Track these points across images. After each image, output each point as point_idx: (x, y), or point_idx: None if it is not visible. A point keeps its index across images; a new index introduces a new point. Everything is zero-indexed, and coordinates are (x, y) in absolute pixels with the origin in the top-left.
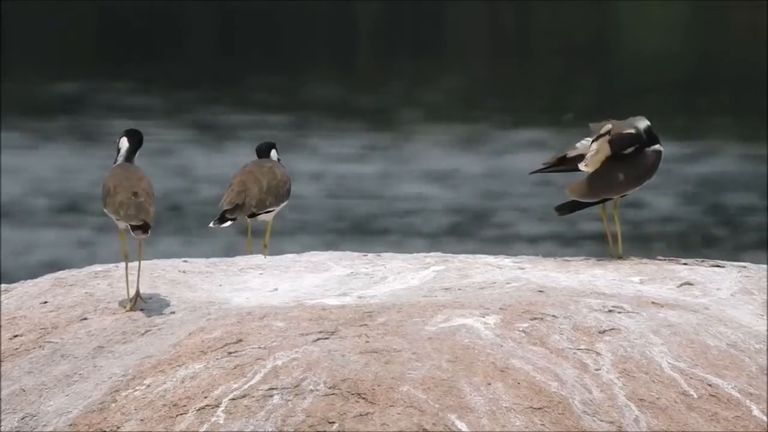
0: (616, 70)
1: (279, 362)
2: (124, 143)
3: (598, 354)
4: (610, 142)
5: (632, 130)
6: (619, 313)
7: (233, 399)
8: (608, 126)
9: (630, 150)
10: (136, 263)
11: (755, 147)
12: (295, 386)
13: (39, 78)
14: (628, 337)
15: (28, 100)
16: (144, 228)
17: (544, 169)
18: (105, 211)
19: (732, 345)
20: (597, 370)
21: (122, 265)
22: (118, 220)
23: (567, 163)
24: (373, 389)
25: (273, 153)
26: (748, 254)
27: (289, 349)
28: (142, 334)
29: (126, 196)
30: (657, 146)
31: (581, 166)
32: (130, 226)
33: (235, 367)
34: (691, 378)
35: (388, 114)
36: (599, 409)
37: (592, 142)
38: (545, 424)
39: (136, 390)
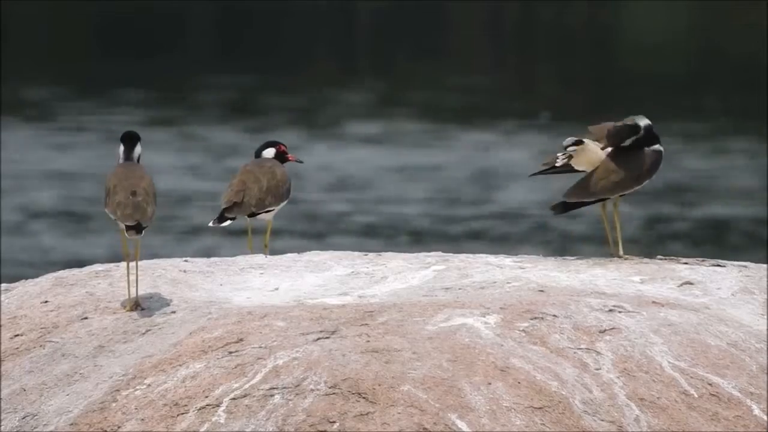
0: (617, 69)
1: (280, 362)
2: (121, 145)
3: (598, 353)
4: (608, 135)
5: (629, 122)
6: (619, 312)
7: (234, 398)
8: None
9: (629, 141)
10: (134, 262)
11: (755, 145)
12: (296, 386)
13: (38, 77)
14: (629, 336)
15: (28, 98)
16: (137, 228)
17: (544, 170)
18: (105, 211)
19: (732, 344)
20: (597, 369)
21: (123, 264)
22: (115, 219)
23: (565, 164)
24: (374, 389)
25: (270, 151)
26: (749, 254)
27: (289, 348)
28: (143, 334)
29: (124, 196)
30: (657, 146)
31: (572, 162)
32: (125, 225)
33: (235, 367)
34: (691, 377)
35: (387, 113)
36: (600, 408)
37: (574, 143)
38: (545, 424)
39: (137, 389)
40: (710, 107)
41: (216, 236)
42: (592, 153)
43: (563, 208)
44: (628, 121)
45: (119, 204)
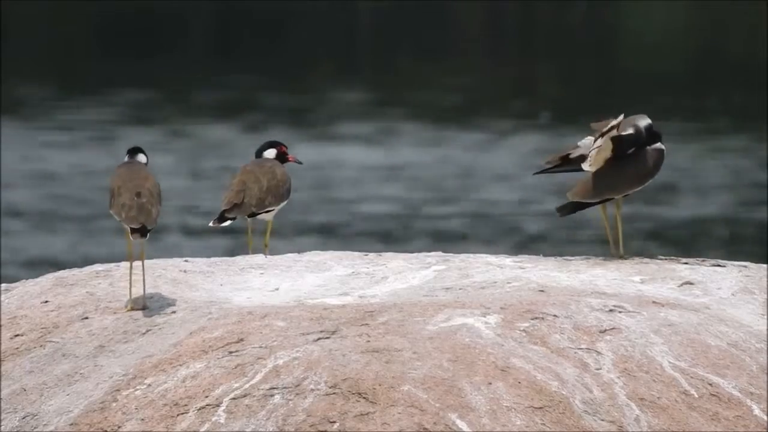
0: (617, 69)
1: (280, 362)
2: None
3: (598, 353)
4: (612, 142)
5: (632, 130)
6: (619, 312)
7: (234, 398)
8: (615, 121)
9: (631, 151)
10: (138, 263)
11: (755, 145)
12: (296, 386)
13: (37, 76)
14: (629, 336)
15: (27, 98)
16: (142, 231)
17: (547, 169)
18: (110, 212)
19: (733, 344)
20: (598, 369)
21: (123, 264)
22: (120, 221)
23: (570, 163)
24: (374, 389)
25: (271, 152)
26: (749, 254)
27: (290, 348)
28: (143, 334)
29: (129, 197)
30: (659, 145)
31: (585, 166)
32: (129, 228)
33: (236, 367)
34: (691, 377)
35: (387, 113)
36: (600, 408)
37: (596, 138)
38: (546, 424)
39: (137, 389)
40: (710, 107)
41: (216, 236)
42: (607, 153)
43: (571, 209)
44: (629, 125)
45: (123, 206)
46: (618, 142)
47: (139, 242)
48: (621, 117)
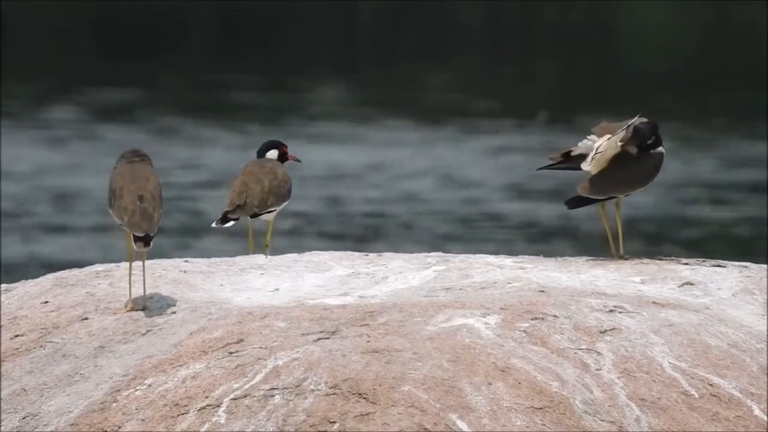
0: (616, 69)
1: (280, 362)
2: None
3: (599, 354)
4: (635, 131)
5: (640, 123)
6: (620, 312)
7: (234, 399)
8: (629, 122)
9: (652, 139)
10: (138, 263)
11: (754, 144)
12: (296, 386)
13: (38, 76)
14: (629, 336)
15: (26, 97)
16: (145, 240)
17: (549, 165)
18: (110, 212)
19: (733, 345)
20: (598, 369)
21: (123, 264)
22: (121, 225)
23: (571, 161)
24: (374, 389)
25: (273, 153)
26: (749, 254)
27: (290, 348)
28: (143, 334)
29: (131, 200)
30: (660, 148)
31: (584, 166)
32: (132, 235)
33: (236, 367)
34: (692, 378)
35: (387, 114)
36: (600, 408)
37: (604, 142)
38: (546, 424)
39: (137, 390)
40: (710, 107)
41: (216, 236)
42: (610, 154)
43: (577, 202)
44: (633, 122)
45: (125, 210)
46: (640, 130)
47: (141, 251)
48: (636, 118)
